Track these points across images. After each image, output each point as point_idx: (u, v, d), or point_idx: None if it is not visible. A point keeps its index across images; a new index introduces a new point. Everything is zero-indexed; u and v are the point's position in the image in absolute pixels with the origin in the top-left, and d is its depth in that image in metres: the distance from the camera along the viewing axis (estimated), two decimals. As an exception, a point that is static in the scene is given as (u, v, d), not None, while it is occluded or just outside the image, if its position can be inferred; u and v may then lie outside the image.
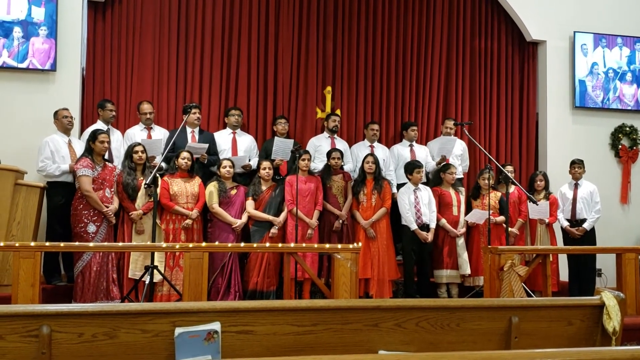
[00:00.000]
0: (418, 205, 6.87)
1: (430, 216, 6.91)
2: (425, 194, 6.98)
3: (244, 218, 6.52)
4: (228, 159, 6.66)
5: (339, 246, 5.30)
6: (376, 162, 6.92)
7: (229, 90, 7.78)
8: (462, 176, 7.80)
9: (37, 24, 6.93)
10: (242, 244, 5.84)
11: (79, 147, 6.36)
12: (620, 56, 8.90)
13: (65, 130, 6.42)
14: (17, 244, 4.65)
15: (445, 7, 8.56)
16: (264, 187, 6.64)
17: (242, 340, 2.42)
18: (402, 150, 7.72)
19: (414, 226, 6.81)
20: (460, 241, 7.05)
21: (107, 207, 5.94)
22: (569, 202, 7.48)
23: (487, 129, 8.66)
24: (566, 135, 8.66)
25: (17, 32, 6.88)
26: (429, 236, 6.85)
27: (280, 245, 5.76)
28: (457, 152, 7.76)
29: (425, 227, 6.86)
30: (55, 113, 6.44)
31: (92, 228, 5.86)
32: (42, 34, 6.92)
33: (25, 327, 2.26)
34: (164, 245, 5.51)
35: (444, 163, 7.37)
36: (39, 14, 6.95)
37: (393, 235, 6.96)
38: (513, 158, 8.64)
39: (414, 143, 7.81)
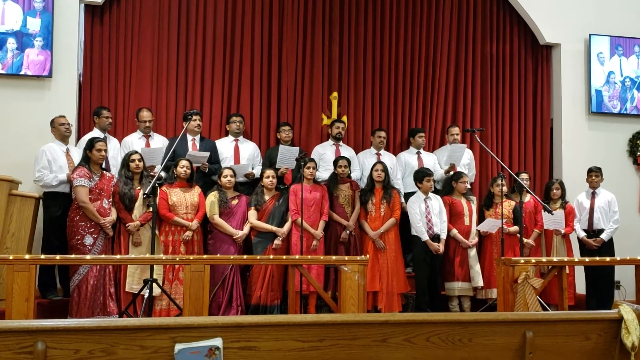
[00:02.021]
0: (429, 215, 6.86)
1: (441, 226, 6.90)
2: (436, 203, 6.97)
3: (246, 229, 6.52)
4: (229, 168, 6.67)
5: (346, 258, 5.30)
6: (385, 170, 6.92)
7: (231, 96, 7.80)
8: (468, 186, 7.75)
9: (32, 35, 6.96)
10: (245, 256, 5.84)
11: (77, 155, 6.38)
12: (638, 64, 8.88)
13: (63, 138, 6.44)
14: (11, 257, 4.65)
15: (454, 9, 8.58)
16: (267, 197, 6.64)
17: (244, 356, 2.41)
18: (410, 158, 7.72)
19: (425, 237, 6.80)
20: (472, 252, 7.03)
21: (105, 218, 5.95)
22: (586, 211, 7.46)
23: (500, 135, 8.66)
24: (582, 142, 8.65)
25: (11, 43, 6.91)
26: (440, 247, 6.83)
27: (284, 257, 5.76)
28: (464, 161, 7.73)
29: (436, 237, 6.85)
30: (52, 121, 6.47)
31: (89, 240, 5.87)
32: (37, 45, 6.95)
33: (19, 343, 2.26)
34: (164, 257, 5.51)
35: (456, 171, 7.35)
36: (34, 24, 6.98)
37: (402, 247, 6.95)
38: (527, 166, 8.63)
39: (421, 150, 7.81)
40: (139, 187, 6.23)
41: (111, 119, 6.91)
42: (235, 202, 6.57)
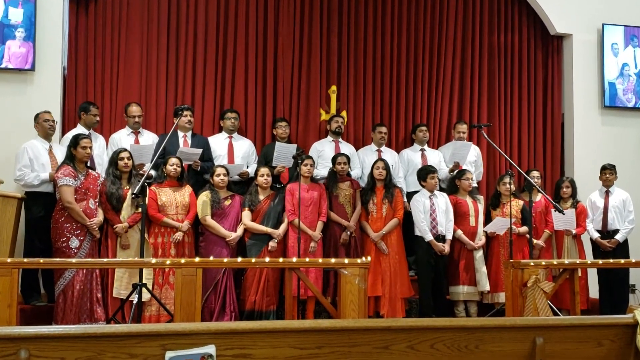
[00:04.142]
0: (434, 214, 6.86)
1: (446, 226, 6.90)
2: (442, 200, 6.97)
3: (240, 231, 6.52)
4: (222, 166, 6.67)
5: (346, 261, 5.29)
6: (387, 167, 6.92)
7: (225, 90, 7.79)
8: (475, 185, 7.74)
9: (14, 26, 6.93)
10: (239, 259, 5.83)
11: (61, 153, 6.36)
12: (654, 56, 8.89)
13: (46, 135, 6.44)
14: (-8, 260, 4.66)
15: (460, -2, 8.59)
16: (261, 196, 6.64)
17: (239, 364, 2.42)
18: (413, 155, 7.72)
19: (429, 237, 6.80)
20: (479, 254, 7.03)
21: (91, 220, 5.95)
22: (600, 211, 7.46)
23: (508, 131, 8.66)
24: (595, 138, 8.65)
25: (-9, 35, 6.90)
26: (446, 248, 6.83)
27: (281, 260, 5.76)
28: (471, 158, 7.73)
29: (440, 238, 6.85)
30: (37, 116, 6.46)
31: (75, 243, 5.87)
32: (19, 37, 6.93)
33: (2, 351, 2.26)
34: (154, 260, 5.50)
35: (460, 169, 7.36)
36: (16, 15, 6.96)
37: (405, 249, 6.95)
38: (537, 163, 8.63)
39: (425, 147, 7.81)
40: (128, 187, 6.22)
41: (99, 116, 6.90)
42: (228, 202, 6.57)
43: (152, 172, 6.52)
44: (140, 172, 6.39)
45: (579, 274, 6.42)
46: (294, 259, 5.80)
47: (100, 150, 6.78)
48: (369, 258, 5.68)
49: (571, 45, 8.77)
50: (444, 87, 8.44)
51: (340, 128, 7.58)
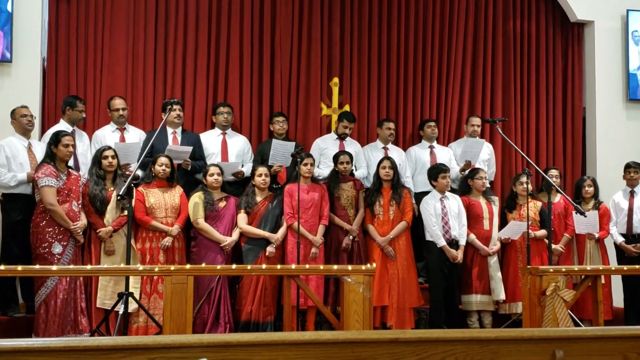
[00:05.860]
0: (446, 217, 6.86)
1: (460, 230, 6.90)
2: (454, 203, 6.97)
3: (235, 235, 6.53)
4: (216, 165, 6.67)
5: (350, 268, 5.29)
6: (394, 166, 6.91)
7: (218, 83, 7.80)
8: (489, 185, 7.71)
9: (-12, 14, 6.96)
10: (234, 266, 5.84)
11: (41, 151, 6.35)
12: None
13: (25, 131, 6.44)
14: (-34, 268, 4.66)
15: (472, -18, 8.59)
16: (258, 198, 6.64)
17: (233, 380, 2.42)
18: (421, 153, 7.72)
19: (442, 242, 6.80)
20: (493, 260, 7.03)
21: (75, 223, 5.95)
22: (624, 213, 7.45)
23: (525, 126, 8.66)
24: (619, 133, 8.64)
25: (-36, 24, 6.90)
26: (459, 254, 6.83)
27: (279, 267, 5.76)
28: (484, 156, 7.74)
29: (453, 243, 6.85)
30: (13, 112, 6.46)
31: (57, 248, 5.86)
32: (-6, 26, 6.95)
33: (-24, 366, 2.26)
34: (141, 267, 5.50)
35: (473, 168, 7.35)
36: (-10, 2, 6.98)
37: (414, 254, 6.95)
38: (556, 161, 8.63)
39: (434, 144, 7.81)
40: (112, 188, 6.22)
41: (85, 112, 6.89)
42: (222, 204, 6.57)
43: (139, 172, 6.51)
44: (126, 172, 6.38)
45: (602, 281, 6.40)
46: (293, 266, 5.80)
47: (84, 149, 6.77)
48: (374, 265, 5.69)
49: (593, 33, 8.77)
50: (455, 79, 8.43)
51: (346, 134, 7.51)
